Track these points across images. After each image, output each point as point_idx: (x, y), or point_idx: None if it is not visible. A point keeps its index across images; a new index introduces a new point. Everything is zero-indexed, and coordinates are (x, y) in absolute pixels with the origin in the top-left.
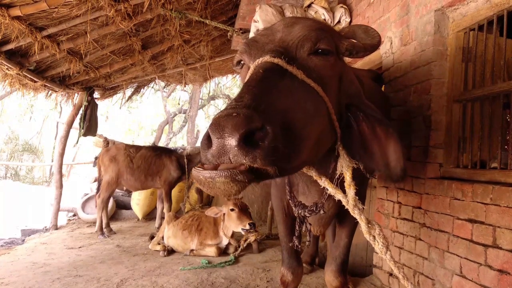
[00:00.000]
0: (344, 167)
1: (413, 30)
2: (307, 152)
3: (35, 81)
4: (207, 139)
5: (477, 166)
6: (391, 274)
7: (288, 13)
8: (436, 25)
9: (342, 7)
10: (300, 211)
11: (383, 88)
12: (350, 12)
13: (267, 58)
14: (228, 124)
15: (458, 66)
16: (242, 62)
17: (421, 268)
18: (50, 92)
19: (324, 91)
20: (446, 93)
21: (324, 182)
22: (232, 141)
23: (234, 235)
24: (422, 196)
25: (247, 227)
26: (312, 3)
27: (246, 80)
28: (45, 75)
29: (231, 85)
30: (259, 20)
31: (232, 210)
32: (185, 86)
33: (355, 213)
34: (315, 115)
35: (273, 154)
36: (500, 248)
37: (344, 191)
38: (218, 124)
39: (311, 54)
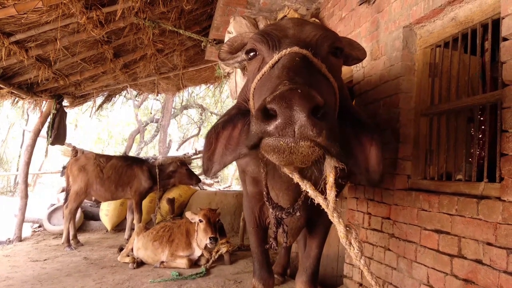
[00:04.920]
0: (328, 168)
1: (382, 45)
2: None
3: (1, 88)
4: (266, 114)
5: (443, 178)
6: (361, 285)
7: (261, 25)
8: (404, 41)
9: (315, 21)
10: (277, 213)
11: (353, 102)
12: None
13: (296, 49)
14: (296, 96)
15: (425, 81)
16: (255, 52)
17: (390, 278)
18: (16, 99)
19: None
20: (414, 107)
21: (305, 185)
22: (301, 113)
23: (207, 246)
24: (391, 207)
25: (207, 241)
26: (285, 16)
27: (279, 65)
28: (11, 81)
29: (204, 95)
30: (233, 32)
31: (200, 221)
32: (157, 95)
33: (334, 216)
34: (334, 108)
35: (334, 131)
36: (465, 258)
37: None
38: (285, 96)
39: (329, 53)
